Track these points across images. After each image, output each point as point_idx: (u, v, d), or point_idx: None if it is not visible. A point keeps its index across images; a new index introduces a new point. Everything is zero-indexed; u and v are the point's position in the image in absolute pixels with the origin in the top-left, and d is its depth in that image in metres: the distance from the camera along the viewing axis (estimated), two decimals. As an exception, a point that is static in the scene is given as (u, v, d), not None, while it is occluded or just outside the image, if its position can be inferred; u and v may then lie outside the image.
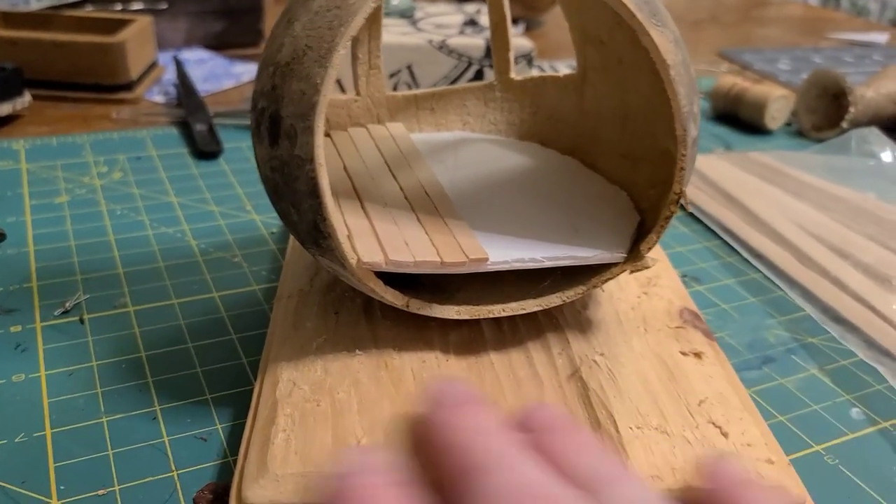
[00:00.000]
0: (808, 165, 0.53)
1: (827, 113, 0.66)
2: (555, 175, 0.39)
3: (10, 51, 0.60)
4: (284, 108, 0.28)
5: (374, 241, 0.31)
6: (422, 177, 0.37)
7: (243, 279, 0.42)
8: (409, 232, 0.32)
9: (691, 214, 0.51)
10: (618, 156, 0.39)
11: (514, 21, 0.90)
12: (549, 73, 0.43)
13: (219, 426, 0.32)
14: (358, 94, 0.41)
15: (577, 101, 0.41)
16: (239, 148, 0.57)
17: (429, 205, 0.35)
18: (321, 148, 0.27)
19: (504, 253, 0.32)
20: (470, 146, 0.42)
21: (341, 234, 0.28)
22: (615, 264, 0.33)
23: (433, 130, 0.43)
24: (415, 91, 0.43)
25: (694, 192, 0.52)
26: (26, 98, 0.58)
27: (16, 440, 0.31)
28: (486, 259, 0.31)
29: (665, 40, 0.29)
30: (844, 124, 0.63)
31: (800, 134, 0.67)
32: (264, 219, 0.48)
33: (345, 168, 0.37)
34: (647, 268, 0.33)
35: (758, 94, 0.66)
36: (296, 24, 0.29)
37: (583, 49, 0.40)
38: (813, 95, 0.66)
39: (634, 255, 0.33)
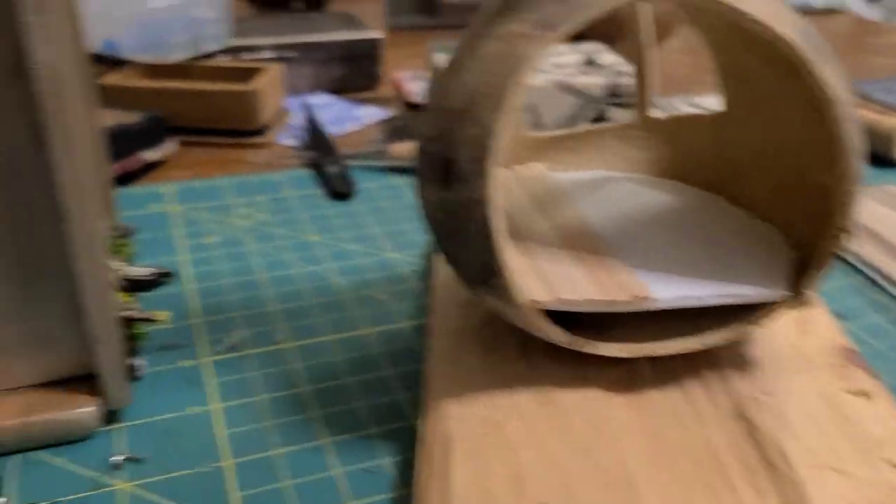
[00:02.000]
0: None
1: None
2: (700, 211, 0.39)
3: (154, 100, 0.65)
4: (458, 153, 0.29)
5: (541, 279, 0.32)
6: (571, 215, 0.38)
7: (390, 317, 0.43)
8: (571, 270, 0.33)
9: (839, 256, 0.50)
10: (764, 191, 0.39)
11: (628, 59, 0.90)
12: (687, 111, 0.43)
13: (386, 458, 0.33)
14: (501, 135, 0.42)
15: (720, 138, 0.41)
16: (369, 188, 0.59)
17: (584, 243, 0.35)
18: (495, 190, 0.28)
19: (667, 291, 0.32)
20: (611, 184, 0.42)
21: (513, 274, 0.29)
22: (776, 302, 0.33)
23: (573, 170, 0.44)
24: (555, 132, 0.44)
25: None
26: (170, 145, 0.62)
27: (197, 470, 0.32)
28: (651, 298, 0.31)
29: (831, 76, 0.29)
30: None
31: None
32: (402, 257, 0.49)
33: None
34: (808, 305, 0.32)
35: (885, 126, 0.64)
36: (466, 73, 0.30)
37: (727, 86, 0.40)
38: (946, 125, 0.64)
39: (795, 293, 0.33)
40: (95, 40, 0.66)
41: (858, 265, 0.48)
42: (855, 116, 0.30)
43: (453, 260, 0.32)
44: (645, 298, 0.31)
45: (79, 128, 0.30)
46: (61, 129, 0.29)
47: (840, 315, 0.44)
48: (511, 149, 0.43)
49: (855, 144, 0.30)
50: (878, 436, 0.30)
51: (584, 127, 0.44)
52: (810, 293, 0.33)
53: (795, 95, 0.36)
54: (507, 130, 0.28)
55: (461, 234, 0.30)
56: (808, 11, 1.33)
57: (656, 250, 0.36)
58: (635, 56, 0.42)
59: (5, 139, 0.30)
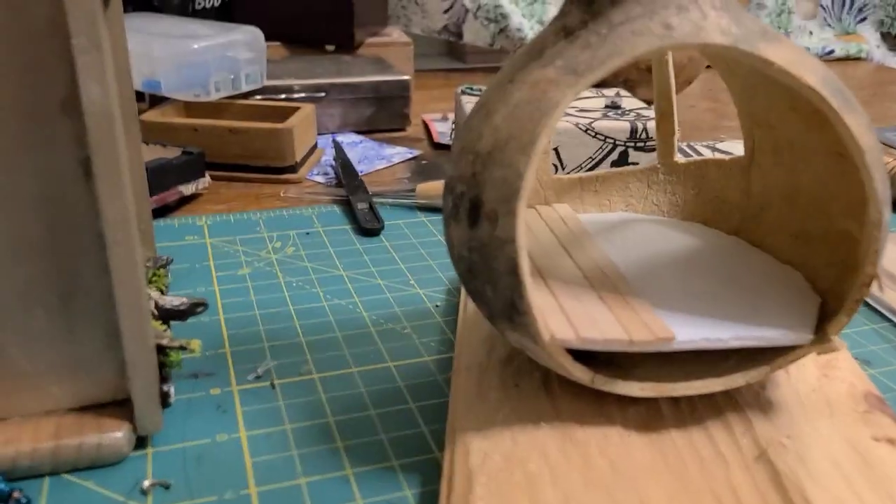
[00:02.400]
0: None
1: None
2: (723, 254, 0.40)
3: (191, 136, 0.67)
4: (486, 193, 0.30)
5: (564, 318, 0.32)
6: (595, 255, 0.38)
7: (414, 350, 0.44)
8: (594, 309, 0.33)
9: (867, 304, 0.50)
10: (787, 236, 0.40)
11: (648, 103, 0.91)
12: (711, 156, 0.44)
13: (409, 491, 0.33)
14: (528, 176, 0.43)
15: (743, 183, 0.42)
16: (397, 225, 0.60)
17: (607, 283, 0.36)
18: (522, 231, 0.29)
19: (689, 332, 0.33)
20: (635, 226, 0.43)
21: (537, 311, 0.30)
22: (801, 346, 0.33)
23: (597, 211, 0.45)
24: (580, 174, 0.45)
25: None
26: (207, 179, 0.63)
27: (225, 496, 0.33)
28: (673, 339, 0.32)
29: (858, 125, 0.30)
30: None
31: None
32: (428, 292, 0.50)
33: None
34: (834, 350, 0.33)
35: (912, 173, 0.64)
36: (495, 116, 0.31)
37: (751, 132, 0.40)
38: (974, 174, 0.64)
39: (821, 338, 0.33)
40: (137, 78, 0.68)
41: (882, 310, 0.48)
42: (882, 164, 0.31)
43: (479, 297, 0.32)
44: (667, 339, 0.32)
45: (124, 162, 0.31)
46: (108, 162, 0.31)
47: (864, 361, 0.44)
48: (536, 190, 0.44)
49: (882, 192, 0.30)
50: (901, 483, 0.30)
51: (608, 170, 0.45)
52: (836, 339, 0.33)
53: (820, 143, 0.36)
54: (534, 173, 0.29)
55: (487, 272, 0.31)
56: (828, 59, 1.34)
57: (679, 291, 0.36)
58: (657, 101, 0.43)
59: (56, 171, 0.32)
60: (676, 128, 0.43)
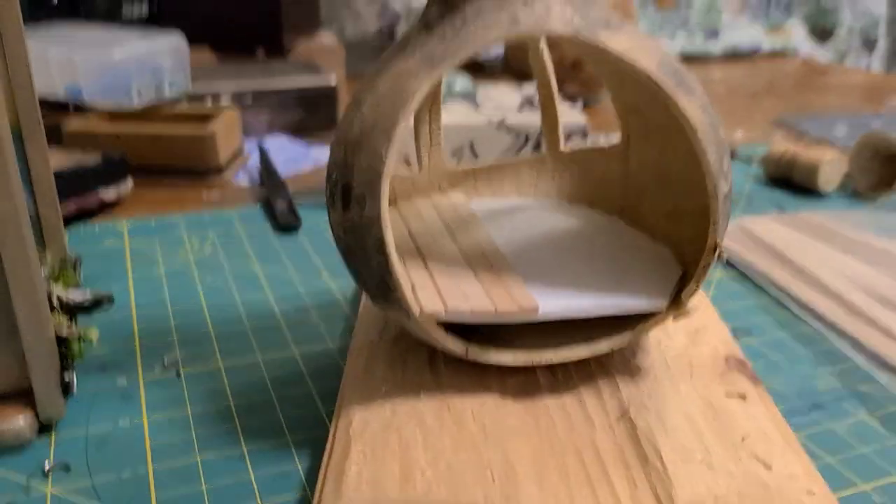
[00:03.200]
0: (857, 224, 0.55)
1: (881, 173, 0.67)
2: (602, 234, 0.42)
3: (114, 143, 0.68)
4: (355, 178, 0.32)
5: (436, 292, 0.34)
6: (479, 238, 0.41)
7: (320, 338, 0.46)
8: (466, 285, 0.36)
9: (742, 273, 0.53)
10: (661, 215, 0.42)
11: (573, 98, 0.94)
12: (601, 144, 0.46)
13: (299, 465, 0.35)
14: (421, 168, 0.46)
15: (622, 167, 0.44)
16: (316, 223, 0.62)
17: (485, 262, 0.38)
18: (386, 211, 0.31)
19: (554, 303, 0.35)
20: (524, 211, 0.45)
21: (406, 286, 0.32)
22: (658, 312, 0.36)
23: (491, 197, 0.47)
24: (473, 165, 0.47)
25: (744, 252, 0.54)
26: (128, 184, 0.65)
27: (123, 476, 0.35)
28: (537, 309, 0.34)
29: (693, 106, 0.32)
30: (898, 184, 0.64)
31: (856, 195, 0.68)
32: (339, 286, 0.52)
33: (409, 232, 0.41)
34: (687, 315, 0.35)
35: (810, 159, 0.68)
36: (363, 107, 0.33)
37: (625, 118, 0.43)
38: (866, 157, 0.68)
39: (677, 304, 0.36)
40: (59, 86, 0.70)
41: (766, 287, 0.51)
42: (718, 142, 0.34)
43: (358, 277, 0.35)
44: (531, 310, 0.34)
45: (10, 161, 0.33)
46: (-5, 160, 0.32)
47: (745, 332, 0.46)
48: (431, 181, 0.46)
49: (716, 167, 0.33)
50: (746, 432, 0.33)
51: (500, 159, 0.47)
52: (689, 304, 0.36)
53: (677, 125, 0.39)
54: (395, 157, 0.31)
55: (361, 251, 0.33)
56: (758, 54, 1.38)
57: (552, 268, 0.38)
58: (539, 91, 0.46)
59: (-56, 171, 0.33)
60: (559, 117, 0.46)
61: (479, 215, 0.44)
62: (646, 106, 0.41)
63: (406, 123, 0.31)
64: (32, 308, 0.35)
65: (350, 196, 0.33)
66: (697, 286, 0.35)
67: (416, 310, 0.33)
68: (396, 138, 0.31)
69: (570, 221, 0.44)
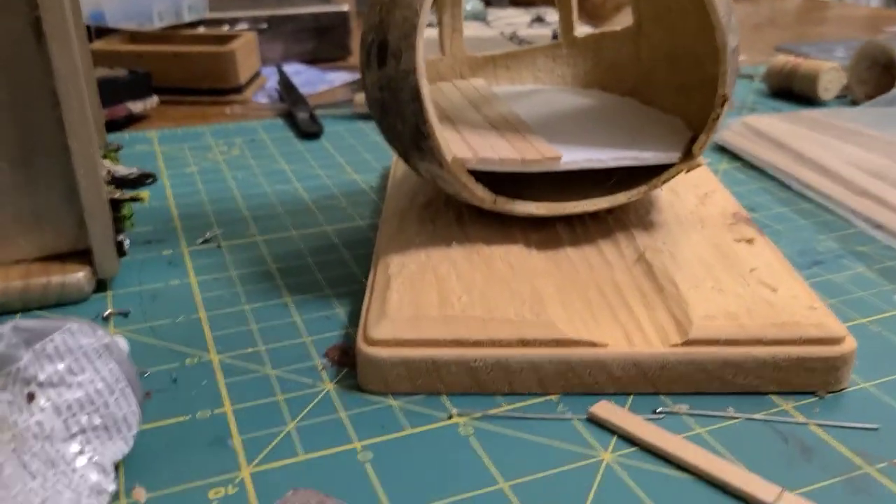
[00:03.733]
0: (851, 118, 0.57)
1: (879, 83, 0.70)
2: (616, 109, 0.45)
3: (136, 62, 0.70)
4: (391, 34, 0.35)
5: (466, 145, 0.37)
6: (502, 110, 0.43)
7: (350, 218, 0.48)
8: (493, 140, 0.38)
9: (747, 162, 0.56)
10: (671, 91, 0.45)
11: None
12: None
13: (339, 309, 0.38)
14: (443, 54, 0.48)
15: (633, 50, 0.47)
16: (337, 131, 0.65)
17: (509, 126, 0.41)
18: (422, 60, 0.34)
19: (575, 155, 0.38)
20: (541, 94, 0.48)
21: (439, 132, 0.35)
22: (672, 165, 0.38)
23: (509, 85, 0.50)
24: (492, 52, 0.49)
25: (748, 144, 0.57)
26: (154, 99, 0.67)
27: (177, 320, 0.38)
28: (560, 157, 0.37)
29: (702, -37, 0.35)
30: (894, 90, 0.66)
31: (853, 104, 0.70)
32: (364, 178, 0.55)
33: (437, 104, 0.43)
34: (699, 165, 0.38)
35: (810, 67, 0.70)
36: (397, -30, 0.36)
37: (637, 2, 0.46)
38: (864, 67, 0.70)
39: (688, 157, 0.38)
40: (83, 11, 0.72)
41: (770, 171, 0.54)
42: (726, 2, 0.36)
43: (392, 133, 0.37)
44: (555, 158, 0.37)
45: (70, 21, 0.35)
46: (58, 23, 0.35)
47: (750, 209, 0.49)
48: (453, 66, 0.49)
49: (725, 20, 0.36)
50: (753, 265, 0.36)
51: (518, 48, 0.50)
52: (700, 157, 0.38)
53: (688, 4, 0.42)
54: (428, 11, 0.34)
55: (396, 105, 0.35)
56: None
57: (572, 133, 0.41)
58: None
59: (9, 33, 0.36)
60: (575, 5, 0.48)
61: (501, 95, 0.46)
62: (657, -15, 0.43)
63: (438, -22, 0.34)
64: (91, 169, 0.38)
65: (386, 52, 0.35)
66: (708, 137, 0.38)
67: (448, 156, 0.35)
68: (429, -8, 0.34)
69: (585, 100, 0.46)
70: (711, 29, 0.35)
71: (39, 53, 0.36)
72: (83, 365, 0.27)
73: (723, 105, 0.37)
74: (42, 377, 0.26)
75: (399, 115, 0.36)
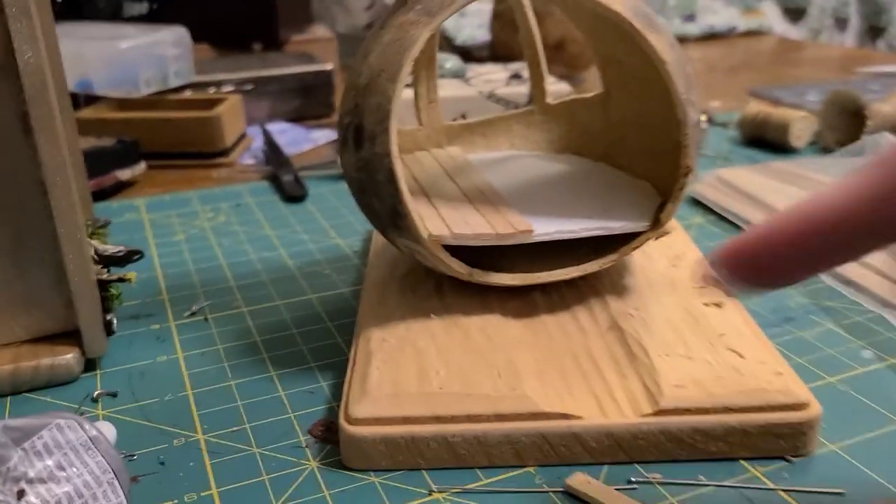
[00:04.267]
0: (820, 168, 0.59)
1: (849, 129, 0.72)
2: (588, 176, 0.47)
3: (124, 129, 0.72)
4: (366, 119, 0.36)
5: (441, 220, 0.38)
6: (476, 180, 0.45)
7: (334, 285, 0.50)
8: (467, 214, 0.40)
9: (719, 216, 0.57)
10: (642, 156, 0.46)
11: (557, 79, 0.98)
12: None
13: (323, 383, 0.39)
14: (420, 124, 0.50)
15: (604, 115, 0.49)
16: (321, 193, 0.66)
17: (483, 197, 0.42)
18: (395, 144, 0.35)
19: (547, 227, 0.39)
20: (516, 160, 0.49)
21: (415, 212, 0.36)
22: (641, 232, 0.40)
23: (485, 152, 0.51)
24: (468, 120, 0.51)
25: (721, 197, 0.58)
26: (142, 165, 0.68)
27: (165, 398, 0.38)
28: (532, 230, 0.38)
29: (661, 42, 0.37)
30: (863, 138, 0.68)
31: (825, 151, 0.72)
32: (347, 242, 0.56)
33: (412, 176, 0.45)
34: (667, 233, 0.39)
35: (781, 116, 0.72)
36: (370, 56, 0.37)
37: (605, 70, 0.47)
38: (834, 114, 0.72)
39: (656, 225, 0.40)
40: (70, 80, 0.73)
41: (743, 225, 0.55)
42: (685, 75, 0.38)
43: (370, 211, 0.39)
44: (527, 231, 0.38)
45: (57, 115, 0.37)
46: (44, 115, 0.36)
47: (723, 265, 0.51)
48: (430, 136, 0.50)
49: (685, 96, 0.37)
50: (722, 331, 0.37)
51: (493, 115, 0.51)
52: (668, 224, 0.40)
53: (654, 72, 0.43)
54: (400, 98, 0.35)
55: (373, 185, 0.37)
56: (733, 35, 1.43)
57: (544, 203, 0.43)
58: (524, 50, 0.50)
59: (-3, 127, 0.37)
60: (545, 72, 0.50)
61: (476, 164, 0.48)
62: (624, 55, 0.45)
63: (409, 66, 0.35)
64: (78, 253, 0.39)
65: (362, 135, 0.37)
66: (675, 207, 0.39)
67: (424, 234, 0.37)
68: (401, 80, 0.35)
69: (558, 167, 0.48)
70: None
71: (27, 145, 0.37)
72: (71, 459, 0.28)
73: (686, 176, 0.38)
74: (31, 474, 0.27)
75: (376, 194, 0.37)
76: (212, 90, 0.84)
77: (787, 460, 0.33)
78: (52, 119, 0.36)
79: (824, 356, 0.40)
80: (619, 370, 0.35)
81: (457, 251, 0.38)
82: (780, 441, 0.33)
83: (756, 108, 0.75)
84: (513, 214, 0.40)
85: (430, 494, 0.31)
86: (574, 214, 0.41)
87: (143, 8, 0.95)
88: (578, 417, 0.33)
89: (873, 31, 1.73)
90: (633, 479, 0.32)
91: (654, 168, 0.45)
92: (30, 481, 0.27)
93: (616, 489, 0.31)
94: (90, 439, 0.28)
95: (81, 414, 0.37)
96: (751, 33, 1.45)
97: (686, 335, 0.37)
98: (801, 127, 0.71)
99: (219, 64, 0.91)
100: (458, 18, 1.15)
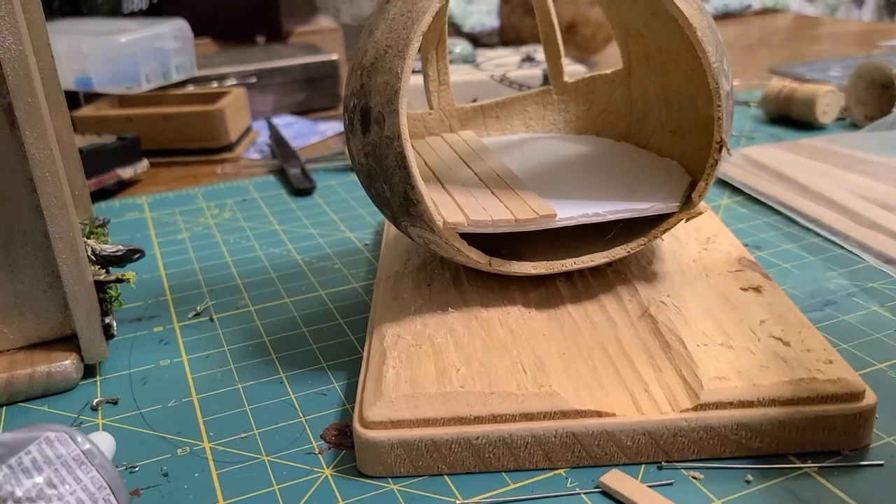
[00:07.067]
0: (852, 144, 0.56)
1: (878, 104, 0.69)
2: (611, 156, 0.44)
3: (126, 125, 0.69)
4: (373, 100, 0.34)
5: (457, 208, 0.36)
6: (493, 164, 0.42)
7: (344, 280, 0.47)
8: (484, 200, 0.37)
9: (750, 196, 0.55)
10: (666, 133, 0.44)
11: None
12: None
13: (335, 384, 0.37)
14: (431, 108, 0.47)
15: (626, 92, 0.46)
16: (329, 185, 0.64)
17: (500, 182, 0.40)
18: (405, 126, 0.33)
19: (570, 211, 0.36)
20: (533, 143, 0.47)
21: (428, 198, 0.34)
22: (671, 214, 0.37)
23: (500, 135, 0.48)
24: (481, 102, 0.48)
25: (749, 177, 0.56)
26: (144, 163, 0.66)
27: (169, 404, 0.36)
28: (555, 215, 0.36)
29: (690, 7, 0.34)
30: (895, 111, 0.65)
31: (853, 126, 0.69)
32: (358, 235, 0.54)
33: (425, 163, 0.42)
34: (699, 214, 0.37)
35: (807, 91, 0.69)
36: (376, 32, 0.35)
37: (625, 44, 0.45)
38: (861, 88, 0.69)
39: (688, 205, 0.37)
40: (69, 77, 0.71)
41: (773, 205, 0.52)
42: (716, 42, 0.35)
43: (380, 199, 0.36)
44: (549, 216, 0.35)
45: (43, 107, 0.35)
46: (29, 106, 0.34)
47: (755, 247, 0.48)
48: (442, 120, 0.48)
49: (717, 64, 0.34)
50: (763, 317, 0.34)
51: (507, 96, 0.49)
52: (701, 204, 0.37)
53: (682, 43, 0.41)
54: (410, 74, 0.33)
55: (382, 172, 0.34)
56: (749, 12, 1.39)
57: (566, 185, 0.40)
58: (540, 27, 0.47)
59: (-19, 121, 0.35)
60: (561, 49, 0.47)
61: (492, 149, 0.45)
62: (646, 29, 0.42)
63: (418, 41, 0.33)
64: (72, 253, 0.36)
65: (369, 118, 0.34)
66: (707, 185, 0.36)
67: (439, 221, 0.34)
68: (410, 56, 0.33)
69: (579, 148, 0.45)
70: (703, 70, 0.34)
71: (13, 139, 0.35)
72: (63, 476, 0.25)
73: (720, 151, 0.36)
74: (20, 493, 0.24)
75: (386, 181, 0.34)
76: (214, 84, 0.81)
77: (842, 454, 0.30)
78: (37, 110, 0.34)
79: (871, 341, 0.37)
80: (653, 363, 0.33)
81: (474, 240, 0.36)
82: (832, 434, 0.30)
83: (779, 84, 0.72)
84: (533, 199, 0.37)
85: (455, 503, 0.29)
86: (599, 197, 0.38)
87: (143, 2, 0.92)
88: (611, 414, 0.30)
89: (891, 6, 1.68)
90: (672, 479, 0.29)
91: (680, 146, 0.43)
92: (17, 501, 0.24)
93: (651, 486, 0.28)
94: (83, 453, 0.26)
95: (80, 424, 0.35)
96: (766, 11, 1.41)
97: (724, 323, 0.34)
98: (828, 102, 0.68)
99: (221, 57, 0.88)
100: (466, 5, 1.12)
